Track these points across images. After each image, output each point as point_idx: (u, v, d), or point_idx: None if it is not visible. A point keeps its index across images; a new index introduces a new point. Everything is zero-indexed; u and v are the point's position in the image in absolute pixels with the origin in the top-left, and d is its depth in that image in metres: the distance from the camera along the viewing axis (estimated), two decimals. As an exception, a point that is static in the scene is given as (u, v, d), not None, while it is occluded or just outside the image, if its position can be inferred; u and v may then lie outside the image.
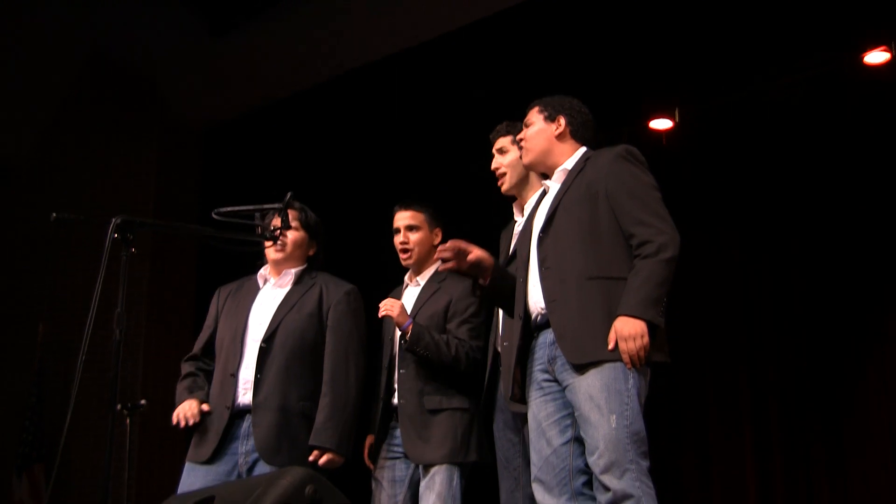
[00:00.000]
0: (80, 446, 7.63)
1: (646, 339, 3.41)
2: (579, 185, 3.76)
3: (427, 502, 4.31)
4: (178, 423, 4.21)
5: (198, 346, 4.54)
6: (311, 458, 4.10)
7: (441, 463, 4.33)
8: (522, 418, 3.94)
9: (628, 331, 3.41)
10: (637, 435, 3.41)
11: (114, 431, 3.02)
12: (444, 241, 4.67)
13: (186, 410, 4.20)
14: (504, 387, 4.00)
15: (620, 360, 3.43)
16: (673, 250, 3.53)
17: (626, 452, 3.36)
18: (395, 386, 4.52)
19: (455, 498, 4.32)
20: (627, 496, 3.32)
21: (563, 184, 3.82)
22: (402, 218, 4.67)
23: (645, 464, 3.40)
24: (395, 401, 4.51)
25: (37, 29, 8.13)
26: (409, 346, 4.39)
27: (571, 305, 3.57)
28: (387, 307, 4.42)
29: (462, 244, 3.81)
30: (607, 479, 3.35)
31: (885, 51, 6.18)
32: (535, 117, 4.02)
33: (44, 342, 8.12)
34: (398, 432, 4.48)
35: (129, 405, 5.86)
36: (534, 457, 3.69)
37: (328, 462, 4.10)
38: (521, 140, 4.05)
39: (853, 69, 6.30)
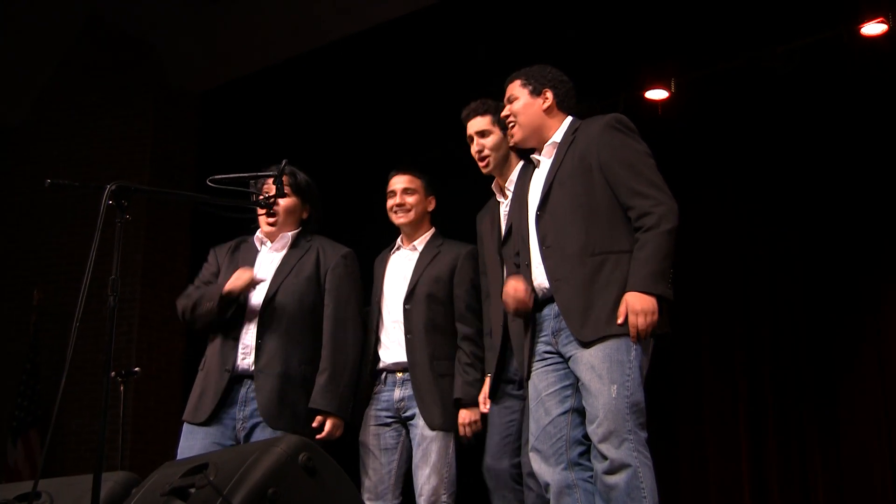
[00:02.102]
0: (74, 412, 7.65)
1: (656, 315, 3.43)
2: (572, 157, 3.72)
3: (423, 472, 4.32)
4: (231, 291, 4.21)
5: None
6: (314, 423, 4.14)
7: (451, 430, 4.37)
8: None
9: (640, 306, 3.42)
10: (637, 406, 3.42)
11: (108, 398, 3.02)
12: (436, 209, 4.71)
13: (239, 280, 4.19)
14: (518, 364, 3.93)
15: (626, 333, 3.44)
16: (673, 220, 3.53)
17: (626, 422, 3.38)
18: (389, 349, 4.53)
19: (451, 465, 4.35)
20: (624, 465, 3.34)
21: (556, 158, 3.78)
22: (399, 181, 4.66)
23: (643, 434, 3.42)
24: (383, 363, 4.52)
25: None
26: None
27: (575, 283, 3.56)
28: (472, 421, 4.38)
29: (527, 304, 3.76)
30: (605, 448, 3.38)
31: (882, 22, 6.17)
32: (519, 91, 3.92)
33: (39, 308, 8.10)
34: (384, 396, 4.50)
35: (124, 372, 5.91)
36: (532, 426, 3.70)
37: (332, 427, 4.15)
38: (508, 117, 3.94)
39: (851, 40, 6.28)
